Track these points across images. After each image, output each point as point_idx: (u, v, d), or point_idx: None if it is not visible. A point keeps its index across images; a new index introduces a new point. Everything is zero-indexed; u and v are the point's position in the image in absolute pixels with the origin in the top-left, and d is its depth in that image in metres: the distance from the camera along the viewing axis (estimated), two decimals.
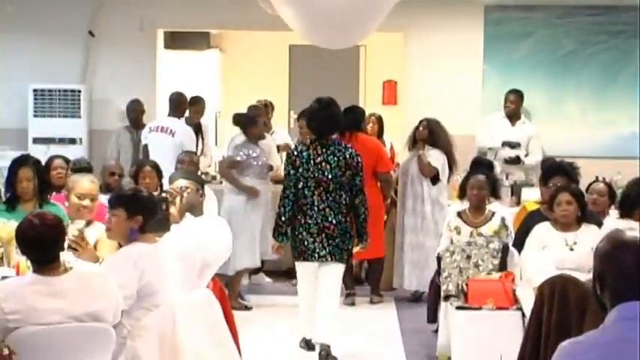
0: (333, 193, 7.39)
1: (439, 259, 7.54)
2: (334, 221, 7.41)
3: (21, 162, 6.90)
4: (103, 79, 11.63)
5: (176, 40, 13.02)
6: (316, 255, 7.40)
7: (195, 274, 5.60)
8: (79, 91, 11.42)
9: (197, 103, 11.02)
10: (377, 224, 9.15)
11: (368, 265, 9.90)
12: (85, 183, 6.17)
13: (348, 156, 7.42)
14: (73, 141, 11.36)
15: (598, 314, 3.19)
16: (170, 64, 12.65)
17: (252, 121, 9.37)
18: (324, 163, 7.40)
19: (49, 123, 11.35)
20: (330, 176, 7.39)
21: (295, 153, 7.53)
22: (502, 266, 7.25)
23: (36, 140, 11.31)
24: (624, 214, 6.85)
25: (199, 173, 10.31)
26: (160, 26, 11.91)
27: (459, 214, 7.79)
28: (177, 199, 5.78)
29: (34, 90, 11.39)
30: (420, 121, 9.77)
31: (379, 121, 11.00)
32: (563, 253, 6.82)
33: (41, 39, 11.54)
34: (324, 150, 7.43)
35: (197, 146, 10.71)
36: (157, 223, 5.28)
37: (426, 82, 11.60)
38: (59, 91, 11.40)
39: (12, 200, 6.74)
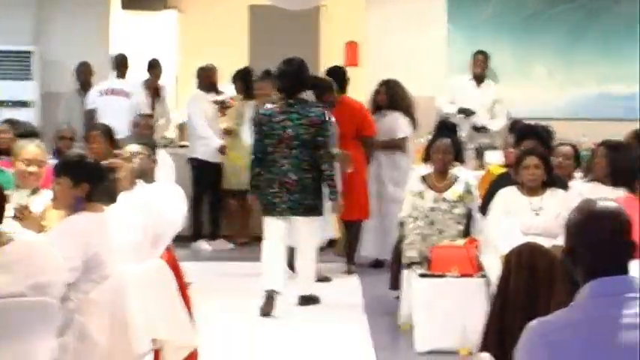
0: (294, 150, 7.60)
1: (401, 224, 7.37)
2: (294, 177, 7.63)
3: None
4: (56, 39, 11.33)
5: (133, 0, 12.68)
6: (278, 209, 7.67)
7: (148, 244, 5.35)
8: (30, 52, 11.10)
9: (156, 66, 10.79)
10: (361, 186, 9.15)
11: (345, 228, 9.51)
12: (31, 148, 5.95)
13: (312, 114, 7.62)
14: (24, 104, 11.03)
15: (566, 283, 2.99)
16: (126, 24, 12.38)
17: (330, 88, 8.98)
18: (286, 121, 7.63)
19: None
20: (292, 133, 7.59)
21: (261, 112, 7.78)
22: (466, 232, 7.13)
23: None
24: (619, 183, 6.61)
25: (158, 137, 10.15)
26: None
27: (423, 179, 7.59)
28: (128, 165, 5.51)
29: None
30: (379, 85, 9.55)
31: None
32: (529, 218, 6.66)
33: None
34: (288, 108, 7.65)
35: (155, 109, 10.50)
36: (105, 192, 5.03)
37: (388, 43, 11.39)
38: (9, 52, 11.09)
39: None
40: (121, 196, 5.39)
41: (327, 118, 7.71)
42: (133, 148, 5.74)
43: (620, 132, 9.43)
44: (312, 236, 7.88)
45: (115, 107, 10.03)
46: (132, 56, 11.26)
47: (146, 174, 5.65)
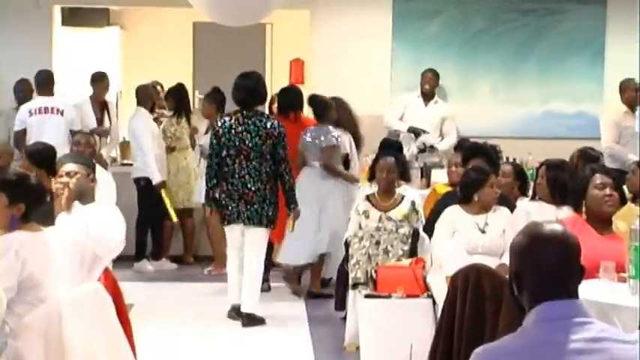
0: (253, 162, 7.82)
1: (347, 244, 7.29)
2: (253, 188, 7.84)
3: None
4: None
5: (74, 17, 12.52)
6: (236, 219, 7.88)
7: (86, 267, 5.21)
8: None
9: (102, 79, 10.46)
10: None
11: None
12: None
13: (269, 126, 7.83)
14: None
15: (514, 307, 2.92)
16: (68, 41, 12.17)
17: (330, 108, 9.16)
18: (244, 133, 7.83)
19: None
20: (250, 145, 7.81)
21: (219, 123, 7.94)
22: (412, 252, 7.05)
23: None
24: (564, 203, 6.57)
25: (106, 154, 9.94)
26: (56, 2, 11.45)
27: (368, 198, 7.55)
28: (65, 191, 5.31)
29: None
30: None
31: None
32: (475, 236, 6.62)
33: None
34: (245, 120, 7.85)
35: (103, 124, 10.24)
36: (41, 215, 4.88)
37: (333, 60, 11.34)
38: None
39: None
40: (59, 218, 5.23)
41: (283, 131, 7.87)
42: (71, 167, 5.55)
43: (564, 150, 9.45)
44: (261, 241, 7.99)
45: (50, 125, 9.78)
46: (74, 73, 11.09)
47: (85, 194, 5.46)
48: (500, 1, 11.29)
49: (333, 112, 9.09)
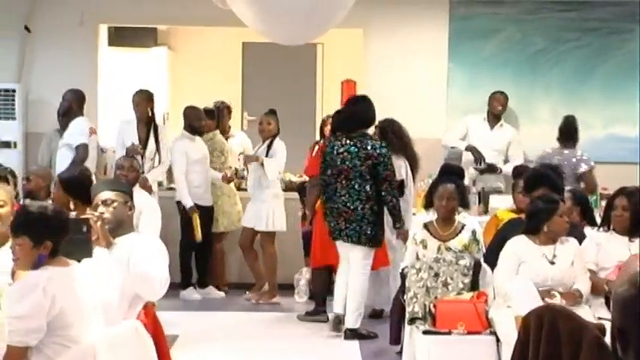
0: (353, 181, 8.14)
1: (403, 275, 6.88)
2: (352, 207, 8.14)
3: None
4: (40, 77, 10.78)
5: (121, 37, 12.25)
6: (339, 236, 8.24)
7: (125, 304, 4.82)
8: (14, 91, 10.55)
9: (144, 96, 9.94)
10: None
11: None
12: None
13: (369, 147, 8.12)
14: (7, 144, 10.48)
15: (593, 350, 2.50)
16: (114, 62, 11.90)
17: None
18: (345, 154, 8.19)
19: None
20: (350, 165, 8.14)
21: (327, 144, 8.42)
22: (474, 285, 6.63)
23: None
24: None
25: (152, 179, 9.59)
26: (101, 21, 11.10)
27: (426, 226, 7.13)
28: (100, 226, 4.87)
29: None
30: (376, 126, 9.06)
31: None
32: (544, 268, 6.26)
33: None
34: (347, 141, 8.19)
35: (147, 147, 9.81)
36: (76, 247, 4.51)
37: (387, 81, 10.94)
38: None
39: None
40: (96, 251, 4.81)
41: (384, 152, 8.12)
42: (106, 195, 5.14)
43: (628, 175, 9.01)
44: (363, 260, 8.22)
45: (92, 146, 9.56)
46: (120, 95, 10.80)
47: (123, 224, 5.07)
48: (561, 20, 10.81)
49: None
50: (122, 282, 4.79)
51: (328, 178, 8.26)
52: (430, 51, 10.92)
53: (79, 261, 4.52)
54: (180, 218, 9.76)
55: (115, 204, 5.07)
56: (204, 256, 9.97)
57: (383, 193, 8.10)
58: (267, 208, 9.61)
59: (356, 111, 8.35)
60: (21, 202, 7.76)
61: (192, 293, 9.85)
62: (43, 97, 10.63)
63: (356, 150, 8.13)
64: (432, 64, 10.93)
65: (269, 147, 9.64)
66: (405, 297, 6.75)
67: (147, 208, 7.74)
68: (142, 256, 4.84)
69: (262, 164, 9.55)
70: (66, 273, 4.36)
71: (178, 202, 9.77)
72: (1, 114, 10.51)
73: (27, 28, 10.71)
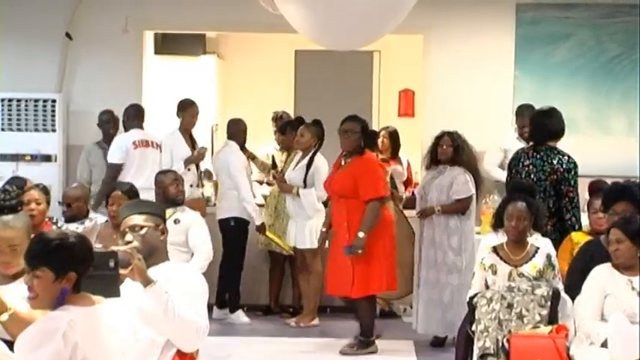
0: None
1: (472, 305, 6.23)
2: None
3: None
4: (82, 87, 10.37)
5: (168, 45, 11.88)
6: None
7: (157, 349, 4.19)
8: (54, 101, 10.10)
9: (190, 106, 9.54)
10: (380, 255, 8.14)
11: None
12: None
13: (555, 161, 7.86)
14: (47, 158, 10.04)
15: None
16: (160, 71, 11.53)
17: None
18: (530, 167, 7.93)
19: (19, 137, 10.02)
20: (534, 179, 7.83)
21: (514, 156, 8.17)
22: (552, 317, 6.00)
23: (4, 157, 10.00)
24: None
25: (196, 195, 9.09)
26: (146, 27, 10.71)
27: (495, 250, 6.48)
28: (137, 261, 4.21)
29: (2, 99, 10.08)
30: (440, 136, 8.47)
31: (393, 135, 10.01)
32: (632, 300, 5.61)
33: (11, 41, 10.27)
34: (534, 154, 7.95)
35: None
36: (102, 285, 3.87)
37: (448, 91, 10.38)
38: (31, 100, 10.08)
39: None
40: (126, 285, 4.17)
41: (571, 167, 7.84)
42: (134, 220, 4.51)
43: None
44: None
45: (151, 160, 9.13)
46: (166, 105, 10.34)
47: (155, 251, 4.42)
48: (637, 24, 10.13)
49: None
50: (158, 327, 4.17)
51: None
52: (495, 58, 10.34)
53: (105, 297, 3.89)
54: (225, 237, 9.21)
55: (145, 229, 4.46)
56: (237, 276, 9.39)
57: (562, 209, 7.74)
58: (310, 225, 9.05)
59: (545, 123, 8.02)
60: (59, 225, 7.30)
61: (240, 316, 9.28)
62: (85, 108, 10.22)
63: (541, 163, 7.88)
64: (496, 73, 10.34)
65: (309, 164, 9.06)
66: (473, 329, 6.13)
67: (194, 223, 7.25)
68: (178, 290, 4.22)
69: (298, 193, 9.04)
70: (91, 314, 3.75)
71: (225, 220, 9.25)
72: (40, 126, 10.11)
73: (68, 35, 10.35)
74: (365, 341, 8.13)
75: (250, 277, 9.58)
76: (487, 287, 6.30)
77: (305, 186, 9.00)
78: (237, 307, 9.33)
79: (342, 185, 8.11)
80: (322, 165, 9.03)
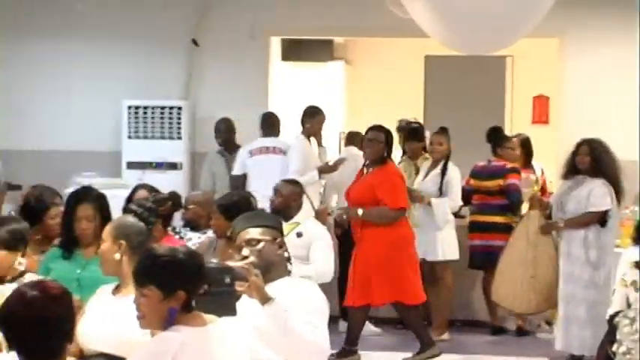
0: None
1: (612, 324, 5.86)
2: None
3: (79, 197, 5.67)
4: (208, 94, 10.29)
5: (294, 51, 11.83)
6: None
7: None
8: (180, 108, 10.05)
9: (317, 114, 9.36)
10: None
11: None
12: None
13: None
14: (172, 166, 9.98)
15: None
16: (286, 77, 11.44)
17: None
18: None
19: (145, 145, 9.99)
20: None
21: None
22: None
23: (131, 165, 9.98)
24: None
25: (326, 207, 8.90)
26: (273, 33, 10.61)
27: (637, 265, 6.07)
28: (254, 277, 3.95)
29: (129, 107, 10.06)
30: (579, 144, 8.05)
31: (525, 143, 9.58)
32: None
33: (137, 48, 10.33)
34: None
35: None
36: (216, 303, 3.62)
37: (585, 97, 9.97)
38: (157, 108, 10.03)
39: (69, 243, 5.54)
40: (242, 302, 3.93)
41: None
42: (251, 234, 4.26)
43: None
44: None
45: (270, 168, 8.89)
46: (292, 112, 10.12)
47: (273, 267, 4.15)
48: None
49: None
50: (272, 343, 3.92)
51: None
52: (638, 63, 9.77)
53: (219, 317, 3.65)
54: (344, 244, 8.96)
55: (262, 244, 4.19)
56: None
57: None
58: (442, 236, 8.78)
59: None
60: (178, 231, 7.14)
61: (369, 327, 9.00)
62: (211, 115, 10.07)
63: None
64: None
65: (443, 172, 8.78)
66: (614, 350, 5.75)
67: (318, 238, 6.96)
68: (299, 317, 3.95)
69: (429, 203, 8.76)
70: (203, 334, 3.49)
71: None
72: (166, 133, 10.06)
73: (194, 42, 10.29)
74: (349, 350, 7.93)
75: None
76: (629, 306, 5.94)
77: (439, 195, 8.75)
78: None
79: (360, 194, 7.94)
80: (456, 173, 8.82)
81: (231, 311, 3.70)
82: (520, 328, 9.03)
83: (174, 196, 7.24)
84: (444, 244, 8.75)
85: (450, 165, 8.85)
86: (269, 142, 9.22)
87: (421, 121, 10.89)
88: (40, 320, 3.15)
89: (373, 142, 7.98)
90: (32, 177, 8.20)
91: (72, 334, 3.26)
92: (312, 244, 7.08)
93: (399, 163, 9.41)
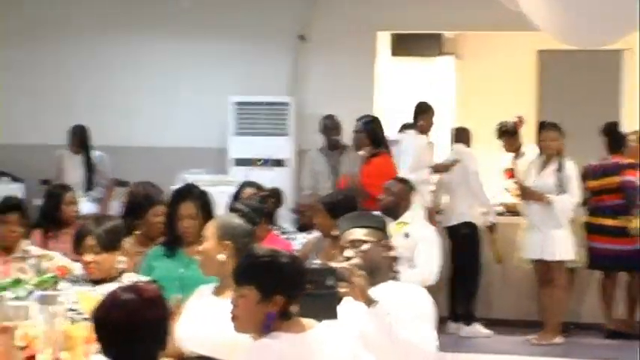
0: None
1: None
2: None
3: (182, 195, 5.62)
4: (315, 90, 10.20)
5: (402, 46, 11.50)
6: None
7: None
8: (287, 104, 9.95)
9: (428, 110, 9.29)
10: None
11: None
12: None
13: None
14: (278, 162, 9.88)
15: None
16: (395, 72, 11.19)
17: None
18: None
19: (251, 141, 9.91)
20: None
21: None
22: None
23: (237, 162, 9.90)
24: None
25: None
26: (381, 28, 10.41)
27: None
28: (358, 279, 3.77)
29: (236, 103, 9.98)
30: None
31: None
32: None
33: (244, 44, 10.28)
34: None
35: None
36: (317, 306, 3.46)
37: None
38: (264, 104, 9.95)
39: (172, 242, 5.50)
40: (346, 306, 3.76)
41: None
42: (355, 234, 4.07)
43: None
44: None
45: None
46: (401, 109, 10.01)
47: (378, 270, 3.97)
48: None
49: None
50: (380, 352, 3.73)
51: None
52: None
53: (319, 321, 3.49)
54: (457, 244, 8.92)
55: (367, 245, 4.01)
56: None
57: None
58: (560, 235, 8.54)
59: None
60: (285, 231, 7.02)
61: (478, 329, 8.83)
62: (317, 111, 9.93)
63: None
64: None
65: (559, 169, 8.52)
66: None
67: (424, 240, 6.73)
68: (404, 321, 3.76)
69: (549, 202, 8.54)
70: (302, 341, 3.33)
71: (456, 227, 8.99)
72: (272, 129, 9.96)
73: (302, 37, 10.22)
74: None
75: (484, 290, 9.20)
76: None
77: (559, 192, 8.50)
78: (473, 319, 8.88)
79: None
80: (573, 169, 8.59)
81: (332, 315, 3.53)
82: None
83: (276, 193, 7.16)
84: (562, 243, 8.50)
85: (568, 164, 8.60)
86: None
87: (535, 117, 10.65)
88: (133, 324, 3.03)
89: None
90: (140, 174, 8.27)
91: (165, 340, 3.13)
92: (417, 246, 6.88)
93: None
